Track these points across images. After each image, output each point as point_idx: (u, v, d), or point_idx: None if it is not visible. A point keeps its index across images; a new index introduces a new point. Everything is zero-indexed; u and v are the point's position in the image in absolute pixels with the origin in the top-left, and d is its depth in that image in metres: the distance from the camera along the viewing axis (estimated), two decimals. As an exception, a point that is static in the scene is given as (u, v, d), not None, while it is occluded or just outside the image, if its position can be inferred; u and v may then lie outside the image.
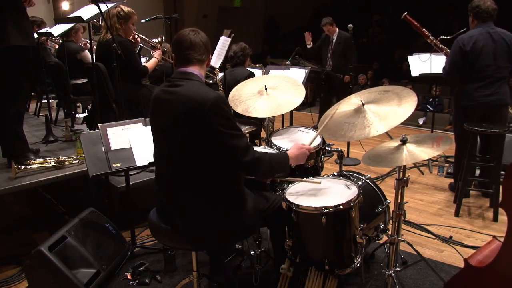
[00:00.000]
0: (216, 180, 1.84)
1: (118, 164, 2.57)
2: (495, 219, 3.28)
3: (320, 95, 5.34)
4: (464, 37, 3.33)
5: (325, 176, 2.44)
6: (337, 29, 5.70)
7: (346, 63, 5.46)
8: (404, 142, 2.08)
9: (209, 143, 1.76)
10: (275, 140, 2.66)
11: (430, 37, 3.57)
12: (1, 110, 2.91)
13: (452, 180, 3.98)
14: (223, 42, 3.85)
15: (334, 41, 5.72)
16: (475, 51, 3.25)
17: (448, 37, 3.51)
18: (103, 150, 2.59)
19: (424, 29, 3.57)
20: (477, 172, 3.71)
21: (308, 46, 5.96)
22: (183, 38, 1.84)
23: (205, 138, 1.75)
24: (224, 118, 1.74)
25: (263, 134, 3.41)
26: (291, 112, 4.41)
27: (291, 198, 2.09)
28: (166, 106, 1.81)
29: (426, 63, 4.15)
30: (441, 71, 3.62)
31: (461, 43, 3.30)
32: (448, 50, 3.48)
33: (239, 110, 2.58)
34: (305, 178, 2.31)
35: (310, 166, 2.55)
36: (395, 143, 2.13)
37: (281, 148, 2.52)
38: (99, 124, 2.66)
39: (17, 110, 2.98)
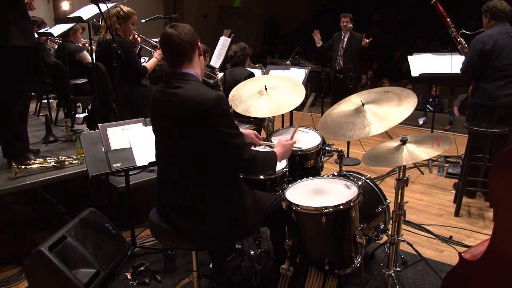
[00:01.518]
0: (217, 178, 1.84)
1: (118, 164, 2.57)
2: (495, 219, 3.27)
3: (321, 95, 5.33)
4: (484, 36, 3.33)
5: (325, 176, 2.44)
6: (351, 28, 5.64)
7: (357, 62, 5.41)
8: (404, 142, 2.08)
9: (209, 143, 1.77)
10: (275, 140, 2.66)
11: (452, 28, 3.60)
12: (3, 110, 2.92)
13: (456, 180, 3.97)
14: (223, 42, 3.85)
15: (345, 40, 5.68)
16: (496, 50, 3.26)
17: (468, 32, 3.54)
18: (103, 150, 2.59)
19: (449, 19, 3.60)
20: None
21: (318, 45, 5.92)
22: (165, 39, 1.81)
23: (206, 138, 1.76)
24: (224, 118, 1.75)
25: (263, 134, 3.42)
26: (291, 112, 4.41)
27: (291, 198, 2.09)
28: (166, 108, 1.80)
29: (440, 63, 4.14)
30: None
31: (482, 42, 3.30)
32: (466, 45, 3.49)
33: (239, 110, 2.58)
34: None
35: (310, 166, 2.55)
36: (395, 143, 2.13)
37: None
38: (99, 124, 2.66)
39: (19, 110, 2.99)
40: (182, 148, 1.80)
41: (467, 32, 3.56)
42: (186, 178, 1.83)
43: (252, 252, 2.54)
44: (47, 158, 3.09)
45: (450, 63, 4.01)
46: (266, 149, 2.37)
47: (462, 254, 1.82)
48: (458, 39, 3.59)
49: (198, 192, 1.83)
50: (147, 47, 3.95)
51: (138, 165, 2.59)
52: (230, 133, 1.77)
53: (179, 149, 1.81)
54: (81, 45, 4.75)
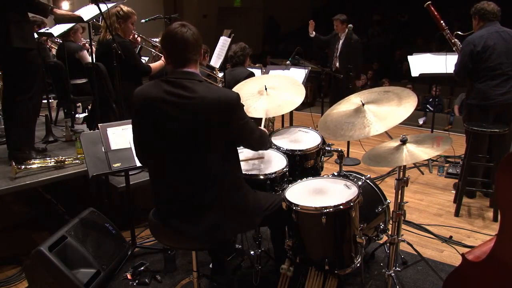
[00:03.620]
0: (224, 171, 1.85)
1: (118, 164, 2.57)
2: (495, 219, 3.28)
3: (321, 95, 5.33)
4: (474, 37, 3.35)
5: (325, 176, 2.44)
6: (347, 29, 5.67)
7: (351, 64, 5.45)
8: (404, 142, 2.08)
9: (227, 138, 1.81)
10: (275, 140, 2.66)
11: (446, 30, 3.63)
12: (11, 106, 3.01)
13: (456, 180, 3.97)
14: (223, 42, 3.85)
15: (341, 41, 5.70)
16: (487, 50, 3.28)
17: (462, 33, 3.55)
18: (103, 150, 2.59)
19: (442, 22, 3.62)
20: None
21: (311, 35, 5.93)
22: (175, 36, 1.79)
23: (226, 134, 1.80)
24: (242, 113, 1.86)
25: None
26: (291, 112, 4.41)
27: (291, 198, 2.09)
28: (179, 109, 1.75)
29: (440, 63, 4.15)
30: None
31: (472, 44, 3.32)
32: (461, 45, 3.50)
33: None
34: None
35: (310, 166, 2.55)
36: (395, 143, 2.13)
37: (281, 148, 2.52)
38: (99, 124, 2.66)
39: (28, 109, 3.08)
40: (198, 149, 1.78)
41: (461, 33, 3.58)
42: (195, 176, 1.82)
43: (252, 252, 2.54)
44: (47, 158, 3.09)
45: (445, 63, 4.02)
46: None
47: (465, 255, 1.82)
48: (453, 41, 3.62)
49: (208, 189, 1.82)
50: (147, 47, 3.95)
51: (138, 165, 2.59)
52: (245, 122, 1.87)
53: (192, 150, 1.78)
54: (81, 45, 4.75)
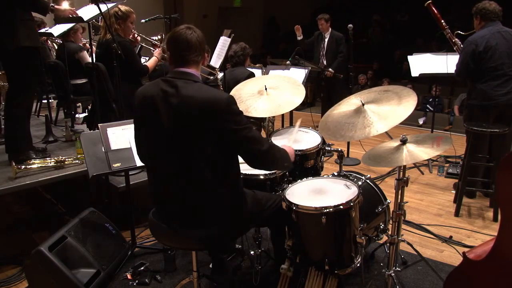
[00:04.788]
0: (222, 180, 1.83)
1: (118, 164, 2.57)
2: (495, 219, 3.28)
3: (320, 95, 5.38)
4: (476, 37, 3.34)
5: (325, 176, 2.44)
6: (330, 28, 5.79)
7: (339, 62, 5.58)
8: (404, 142, 2.08)
9: (219, 142, 1.76)
10: (275, 140, 2.66)
11: (447, 29, 3.62)
12: (12, 106, 3.00)
13: (456, 180, 3.98)
14: (223, 42, 3.85)
15: (326, 40, 5.78)
16: (489, 50, 3.27)
17: (463, 33, 3.55)
18: (103, 150, 2.59)
19: (442, 21, 3.62)
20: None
21: (299, 38, 6.06)
22: (179, 37, 1.81)
23: (217, 137, 1.75)
24: (237, 116, 1.77)
25: (263, 134, 3.41)
26: (291, 112, 4.41)
27: (291, 198, 2.09)
28: (173, 108, 1.75)
29: (440, 63, 4.15)
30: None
31: (474, 44, 3.31)
32: (461, 45, 3.50)
33: (239, 110, 2.57)
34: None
35: (310, 166, 2.55)
36: (395, 143, 2.13)
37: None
38: (99, 124, 2.66)
39: (27, 107, 3.08)
40: (190, 150, 1.77)
41: (461, 33, 3.58)
42: (191, 177, 1.81)
43: (252, 252, 2.54)
44: (47, 158, 3.10)
45: (446, 63, 4.02)
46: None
47: (466, 254, 1.82)
48: (454, 40, 3.62)
49: (204, 194, 1.82)
50: (147, 46, 3.95)
51: (138, 165, 2.59)
52: (243, 128, 1.78)
53: (187, 151, 1.78)
54: (81, 45, 4.75)
